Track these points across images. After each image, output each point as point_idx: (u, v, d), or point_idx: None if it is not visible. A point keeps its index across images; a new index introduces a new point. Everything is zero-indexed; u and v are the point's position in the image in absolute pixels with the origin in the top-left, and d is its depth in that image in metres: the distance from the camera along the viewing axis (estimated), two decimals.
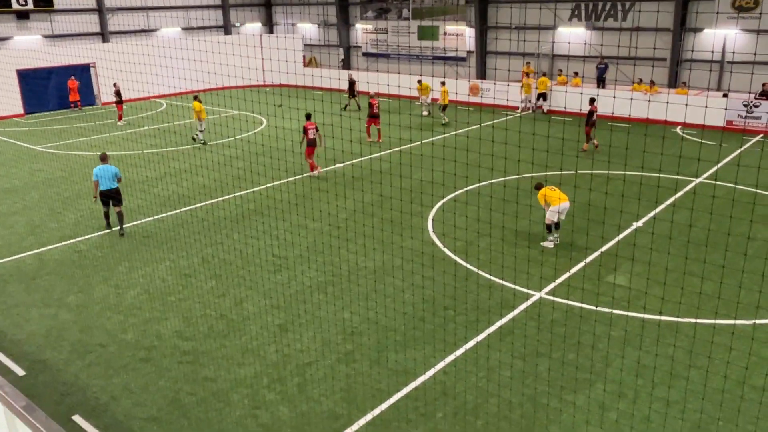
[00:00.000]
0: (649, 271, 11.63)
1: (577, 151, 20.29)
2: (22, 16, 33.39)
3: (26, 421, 3.56)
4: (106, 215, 14.89)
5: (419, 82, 28.71)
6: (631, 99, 20.75)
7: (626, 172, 17.45)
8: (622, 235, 13.75)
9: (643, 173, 17.19)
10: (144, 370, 9.38)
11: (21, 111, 30.52)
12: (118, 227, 14.83)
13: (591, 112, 20.46)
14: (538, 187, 13.49)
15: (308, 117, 18.94)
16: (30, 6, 33.13)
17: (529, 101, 28.42)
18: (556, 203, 13.10)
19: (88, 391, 8.92)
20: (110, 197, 14.52)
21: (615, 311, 10.60)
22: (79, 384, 9.09)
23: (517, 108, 28.50)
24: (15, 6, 32.68)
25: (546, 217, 13.37)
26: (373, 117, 23.23)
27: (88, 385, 9.04)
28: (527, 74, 31.18)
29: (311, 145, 18.65)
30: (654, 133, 21.93)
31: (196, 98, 23.24)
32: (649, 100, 22.32)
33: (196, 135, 23.69)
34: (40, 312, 11.23)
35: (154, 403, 8.62)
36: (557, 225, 13.51)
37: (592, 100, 20.44)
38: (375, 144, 23.09)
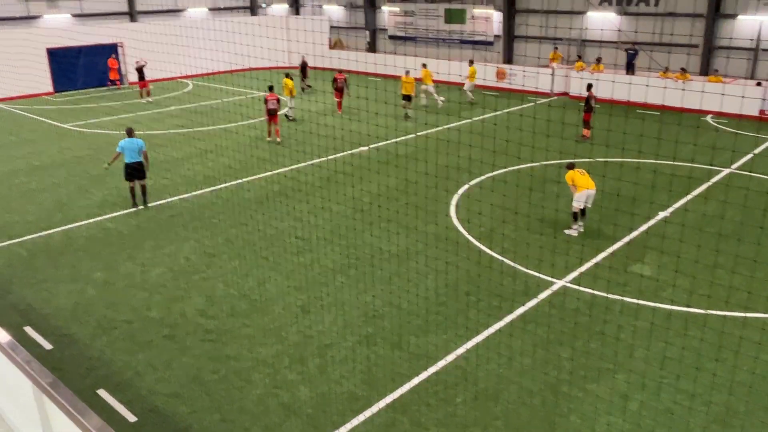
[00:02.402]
0: (677, 263, 11.43)
1: (606, 139, 19.99)
2: None
3: (52, 397, 3.60)
4: (132, 190, 15.14)
5: (424, 65, 27.01)
6: (665, 87, 20.33)
7: (656, 161, 17.14)
8: (649, 225, 13.53)
9: (674, 162, 16.88)
10: (167, 347, 9.49)
11: (50, 89, 30.89)
12: (142, 201, 15.15)
13: (589, 98, 20.26)
14: (570, 166, 13.31)
15: (270, 89, 21.09)
16: None
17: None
18: (582, 189, 12.94)
19: (113, 366, 9.06)
20: (135, 170, 14.85)
21: (640, 302, 10.45)
22: (104, 359, 9.23)
23: (549, 93, 28.18)
24: None
25: (572, 204, 13.22)
26: (337, 90, 25.43)
27: (112, 360, 9.18)
28: (553, 60, 30.80)
29: (271, 114, 20.79)
30: (685, 121, 21.50)
31: (287, 75, 24.07)
32: (683, 89, 21.83)
33: (287, 113, 24.29)
34: (67, 287, 11.40)
35: (177, 379, 8.72)
36: (583, 212, 13.35)
37: (589, 86, 20.23)
38: (338, 115, 24.75)
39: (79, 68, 31.66)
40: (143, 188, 15.17)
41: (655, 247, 12.33)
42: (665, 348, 9.11)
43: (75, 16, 34.86)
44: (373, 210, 14.60)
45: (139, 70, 28.31)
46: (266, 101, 20.82)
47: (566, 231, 13.39)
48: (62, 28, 31.72)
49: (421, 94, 26.71)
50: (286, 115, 24.37)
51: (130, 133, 14.97)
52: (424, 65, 26.69)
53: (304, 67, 30.64)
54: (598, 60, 28.65)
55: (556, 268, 11.67)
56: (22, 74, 28.30)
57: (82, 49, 30.99)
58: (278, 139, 21.17)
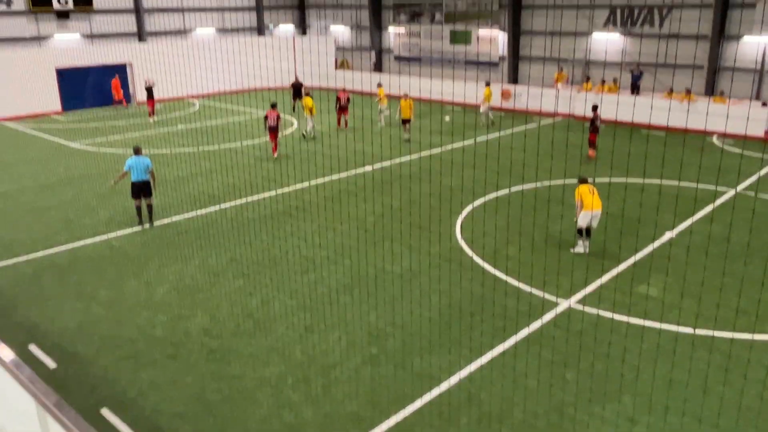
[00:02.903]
0: (683, 284, 11.38)
1: (611, 160, 20.03)
2: (63, 15, 34.12)
3: (56, 417, 3.60)
4: (138, 209, 15.18)
5: (379, 85, 27.41)
6: (669, 109, 20.41)
7: (661, 182, 17.15)
8: (654, 246, 13.49)
9: (679, 183, 16.88)
10: (172, 366, 9.47)
11: (59, 108, 31.18)
12: (148, 219, 15.23)
13: (594, 119, 20.38)
14: (582, 180, 13.32)
15: (273, 106, 21.39)
16: (70, 6, 33.85)
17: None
18: (589, 209, 12.95)
19: (117, 385, 9.04)
20: (141, 188, 14.94)
21: (647, 323, 10.40)
22: (108, 378, 9.21)
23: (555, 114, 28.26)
24: (56, 6, 33.41)
25: (577, 222, 13.22)
26: (341, 109, 25.73)
27: (117, 379, 9.16)
28: (558, 81, 30.95)
29: (272, 131, 21.04)
30: (690, 142, 21.54)
31: (308, 94, 24.46)
32: (687, 111, 21.91)
33: (305, 131, 24.52)
34: (72, 305, 11.42)
35: (181, 399, 8.70)
36: (588, 233, 13.33)
37: (594, 107, 20.38)
38: (343, 130, 25.56)
39: (88, 88, 31.99)
40: (150, 207, 15.23)
41: (660, 268, 12.29)
42: (672, 370, 9.05)
43: (85, 36, 35.29)
44: (378, 230, 14.62)
45: (149, 90, 28.65)
46: (266, 118, 21.16)
47: (572, 249, 13.38)
48: (71, 48, 32.13)
49: (380, 114, 26.77)
50: (303, 134, 24.60)
51: (137, 151, 15.09)
52: (380, 84, 27.47)
53: (297, 88, 30.71)
54: (603, 81, 28.79)
55: (561, 288, 11.63)
56: (32, 93, 28.64)
57: (91, 69, 31.34)
58: (274, 155, 21.48)
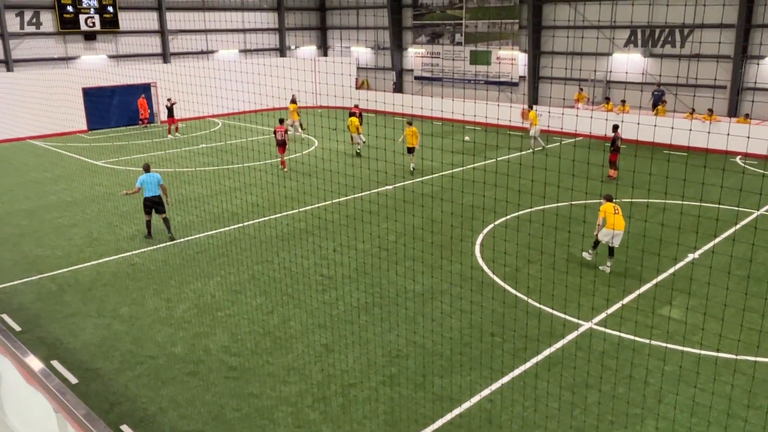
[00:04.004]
0: (706, 306, 11.21)
1: (632, 180, 19.88)
2: (90, 37, 34.89)
3: (86, 429, 3.64)
4: (149, 224, 15.60)
5: (292, 99, 29.69)
6: (690, 129, 20.28)
7: (683, 202, 16.96)
8: (677, 267, 13.33)
9: (702, 204, 16.67)
10: (191, 384, 9.51)
11: (84, 127, 31.77)
12: (168, 234, 15.64)
13: (615, 138, 20.34)
14: (608, 198, 13.40)
15: (281, 122, 22.81)
16: (97, 28, 34.61)
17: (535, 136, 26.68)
18: (611, 227, 12.95)
19: (137, 401, 9.09)
20: (154, 204, 15.32)
21: (669, 345, 10.24)
22: (128, 394, 9.27)
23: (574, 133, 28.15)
24: (84, 27, 34.19)
25: (597, 234, 13.24)
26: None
27: (137, 396, 9.22)
28: (578, 101, 30.88)
29: (280, 144, 22.36)
30: (712, 163, 21.30)
31: (351, 114, 25.41)
32: (709, 131, 21.72)
33: (359, 149, 25.36)
34: (94, 322, 11.54)
35: (200, 416, 8.72)
36: (611, 252, 13.29)
37: (615, 127, 20.39)
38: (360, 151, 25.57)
39: (113, 107, 32.61)
40: (165, 221, 15.60)
41: (683, 289, 12.12)
42: (695, 393, 8.89)
43: (111, 57, 36.01)
44: (398, 248, 14.62)
45: (170, 109, 29.37)
46: (275, 132, 22.46)
47: (583, 253, 13.78)
48: (98, 69, 32.79)
49: (290, 128, 27.96)
50: (357, 152, 25.22)
51: (147, 168, 15.61)
52: (293, 100, 29.31)
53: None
54: (623, 101, 28.69)
55: (582, 309, 11.52)
56: (59, 112, 29.25)
57: (116, 88, 31.94)
58: (285, 169, 22.67)
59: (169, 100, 29.61)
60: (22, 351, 6.90)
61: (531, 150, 25.87)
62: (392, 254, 14.33)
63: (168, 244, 15.34)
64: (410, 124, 22.58)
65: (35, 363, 4.82)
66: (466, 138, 28.08)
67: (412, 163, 22.57)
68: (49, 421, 5.79)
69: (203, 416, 8.72)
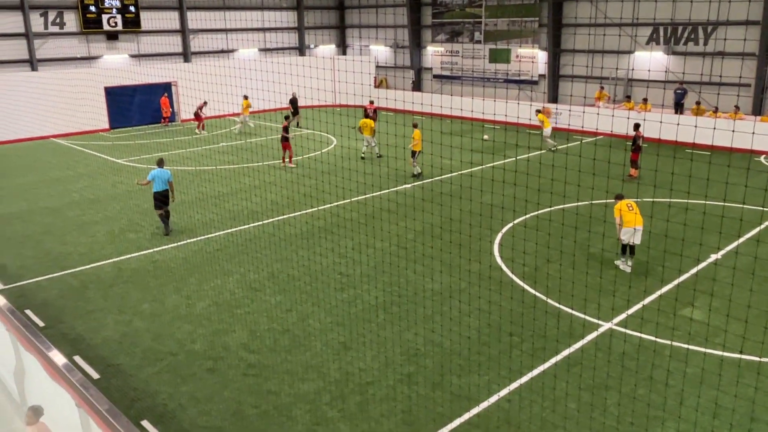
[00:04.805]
0: (729, 307, 11.05)
1: (654, 179, 19.66)
2: (112, 36, 35.27)
3: (108, 423, 3.70)
4: (161, 217, 16.12)
5: (245, 97, 30.37)
6: (714, 128, 20.00)
7: (706, 202, 16.74)
8: (699, 267, 13.16)
9: (725, 204, 16.44)
10: (210, 380, 9.58)
11: (106, 126, 32.14)
12: (164, 228, 16.15)
13: (636, 137, 20.14)
14: (619, 197, 13.27)
15: (286, 118, 23.58)
16: (119, 27, 34.98)
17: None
18: (630, 224, 12.85)
19: (158, 397, 9.18)
20: (161, 198, 15.94)
21: (691, 347, 10.12)
22: (149, 390, 9.37)
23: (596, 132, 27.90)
24: (106, 27, 34.58)
25: (619, 234, 13.14)
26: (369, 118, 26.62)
27: (157, 392, 9.31)
28: (599, 99, 30.59)
29: (282, 141, 22.79)
30: (736, 162, 21.01)
31: (366, 116, 24.85)
32: (733, 130, 21.41)
33: (372, 151, 24.64)
34: (115, 318, 11.68)
35: (219, 413, 8.78)
36: (632, 250, 13.18)
37: (636, 126, 20.19)
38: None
39: (134, 106, 32.96)
40: (167, 213, 16.18)
41: (705, 290, 11.96)
42: (717, 396, 8.77)
43: (132, 56, 36.38)
44: (416, 247, 14.60)
45: (200, 109, 30.63)
46: (283, 129, 22.82)
47: (616, 262, 13.54)
48: (120, 68, 33.16)
49: (239, 124, 30.19)
50: (378, 155, 24.54)
51: (160, 163, 16.13)
52: (246, 96, 29.95)
53: (294, 104, 31.65)
54: (645, 100, 28.39)
55: (602, 309, 11.42)
56: (81, 111, 29.65)
57: (137, 87, 32.27)
58: (290, 165, 23.03)
59: (205, 103, 30.74)
60: (46, 346, 7.02)
61: (550, 150, 25.68)
62: (410, 253, 14.31)
63: (188, 241, 15.47)
64: (416, 126, 21.29)
65: (59, 358, 4.90)
66: (485, 137, 27.96)
67: (417, 167, 21.29)
68: (72, 416, 5.88)
69: (222, 413, 8.79)
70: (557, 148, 25.82)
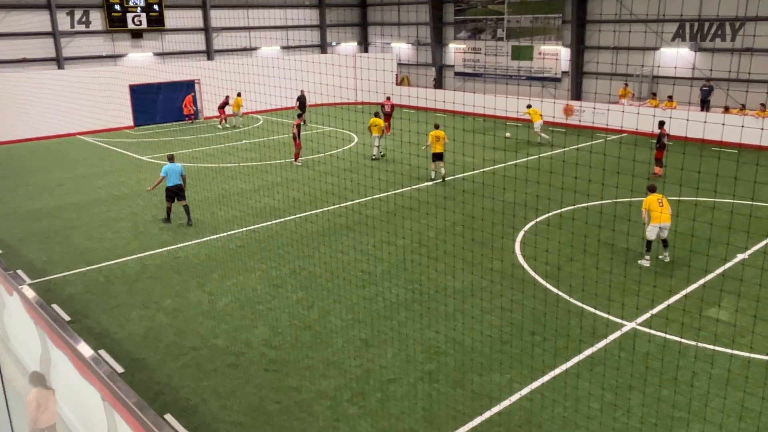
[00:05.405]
0: (757, 308, 10.87)
1: (680, 178, 19.39)
2: (137, 35, 35.67)
3: (135, 415, 3.74)
4: (169, 210, 16.67)
5: (238, 94, 31.04)
6: (742, 126, 19.67)
7: (733, 201, 16.48)
8: (725, 267, 12.95)
9: (753, 203, 16.17)
10: (232, 376, 9.65)
11: (131, 123, 32.52)
12: (187, 219, 16.51)
13: (661, 135, 19.92)
14: (651, 189, 13.18)
15: (299, 116, 24.05)
16: (144, 26, 35.36)
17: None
18: (657, 221, 12.71)
19: (181, 391, 9.27)
20: (176, 192, 16.49)
21: (717, 348, 9.96)
22: (172, 384, 9.46)
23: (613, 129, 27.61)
24: (131, 26, 34.98)
25: (646, 233, 12.99)
26: (386, 116, 27.53)
27: (180, 386, 9.40)
28: (623, 96, 30.23)
29: (294, 138, 22.85)
30: (765, 161, 20.64)
31: (376, 114, 24.23)
32: (762, 128, 21.02)
33: (378, 152, 23.98)
34: (139, 313, 11.81)
35: (241, 408, 8.84)
36: (665, 243, 13.06)
37: (661, 123, 20.04)
38: (389, 137, 26.41)
39: (158, 104, 33.31)
40: (186, 208, 16.59)
41: (732, 290, 11.77)
42: (744, 398, 8.63)
43: (156, 54, 36.74)
44: (438, 245, 14.56)
45: (225, 104, 31.53)
46: (297, 127, 22.91)
47: (639, 261, 13.27)
48: (144, 66, 33.52)
49: (233, 119, 31.64)
50: (383, 154, 24.12)
51: (171, 159, 16.79)
52: (239, 94, 30.70)
53: (303, 102, 31.81)
54: (670, 97, 28.00)
55: (626, 309, 11.29)
56: (107, 109, 30.03)
57: (161, 85, 32.61)
58: (294, 162, 23.16)
59: (227, 97, 31.60)
60: (75, 339, 7.11)
61: (540, 142, 26.08)
62: (432, 251, 14.28)
63: (211, 237, 15.59)
64: (437, 127, 20.28)
65: (86, 350, 4.96)
66: (507, 134, 27.80)
67: (442, 169, 20.40)
68: (97, 409, 5.95)
69: (244, 408, 8.85)
70: (551, 142, 25.95)
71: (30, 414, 7.36)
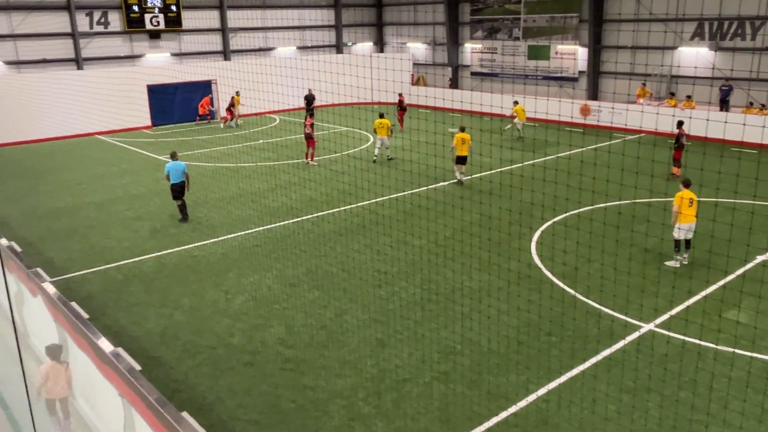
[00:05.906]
0: None
1: (700, 178, 19.16)
2: (154, 36, 35.96)
3: (155, 412, 3.76)
4: (181, 208, 16.99)
5: (237, 93, 31.46)
6: (763, 126, 19.41)
7: (754, 202, 16.26)
8: (746, 268, 12.78)
9: None
10: (248, 374, 9.69)
11: (149, 123, 32.79)
12: (180, 217, 17.12)
13: (679, 135, 19.78)
14: (686, 183, 13.10)
15: (311, 116, 24.89)
16: (162, 26, 35.64)
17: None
18: (684, 221, 12.62)
19: (197, 389, 9.32)
20: (178, 189, 16.86)
21: (737, 350, 9.83)
22: (188, 382, 9.52)
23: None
24: (148, 26, 35.27)
25: (673, 232, 12.94)
26: (401, 110, 29.25)
27: (196, 384, 9.45)
28: (641, 96, 29.97)
29: (307, 138, 22.81)
30: None
31: (381, 115, 23.67)
32: None
33: (384, 153, 23.60)
34: (157, 312, 11.90)
35: (256, 406, 8.88)
36: (687, 244, 12.94)
37: (680, 123, 19.94)
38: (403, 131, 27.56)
39: (176, 104, 33.55)
40: (183, 203, 17.02)
41: (752, 292, 11.61)
42: (764, 401, 8.51)
43: (174, 55, 37.01)
44: (454, 245, 14.52)
45: (233, 105, 31.61)
46: (304, 126, 22.99)
47: (666, 263, 13.16)
48: (161, 66, 33.77)
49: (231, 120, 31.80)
50: (389, 157, 23.63)
51: (174, 156, 17.16)
52: (237, 92, 31.33)
53: (310, 101, 32.09)
54: (689, 97, 27.72)
55: (644, 310, 11.18)
56: (125, 109, 30.29)
57: (179, 85, 32.84)
58: (311, 162, 23.12)
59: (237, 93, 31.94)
60: (96, 336, 7.17)
61: (507, 131, 27.50)
62: (448, 250, 14.24)
63: (227, 237, 15.67)
64: (463, 129, 19.87)
65: (107, 346, 5.01)
66: (507, 127, 27.89)
67: (460, 174, 20.13)
68: (116, 406, 5.99)
69: (259, 406, 8.88)
70: (521, 137, 27.06)
71: (36, 383, 7.59)
